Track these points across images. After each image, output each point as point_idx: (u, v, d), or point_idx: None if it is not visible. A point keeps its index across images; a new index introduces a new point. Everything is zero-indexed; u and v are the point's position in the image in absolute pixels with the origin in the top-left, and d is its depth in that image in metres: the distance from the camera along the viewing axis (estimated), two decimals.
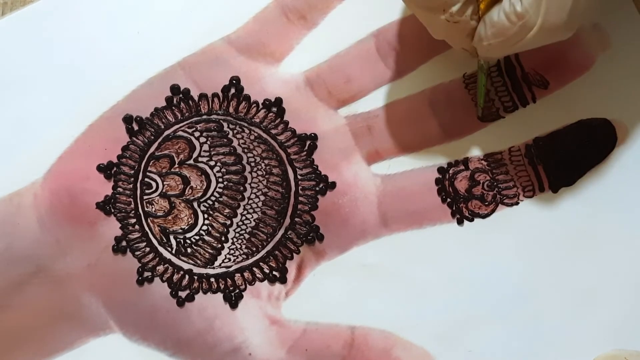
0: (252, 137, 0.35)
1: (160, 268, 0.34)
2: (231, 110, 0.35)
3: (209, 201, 0.35)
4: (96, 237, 0.34)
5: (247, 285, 0.34)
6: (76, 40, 0.35)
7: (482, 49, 0.30)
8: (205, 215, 0.35)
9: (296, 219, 0.35)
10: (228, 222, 0.35)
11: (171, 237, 0.34)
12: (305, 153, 0.35)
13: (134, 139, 0.35)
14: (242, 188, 0.35)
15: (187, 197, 0.35)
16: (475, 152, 0.35)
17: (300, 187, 0.35)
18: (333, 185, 0.35)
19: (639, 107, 0.35)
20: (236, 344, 0.34)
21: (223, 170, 0.35)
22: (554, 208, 0.35)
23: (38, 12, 0.35)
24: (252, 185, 0.35)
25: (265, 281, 0.34)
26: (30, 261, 0.34)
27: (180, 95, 0.35)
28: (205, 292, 0.34)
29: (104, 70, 0.35)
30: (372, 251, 0.34)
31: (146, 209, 0.35)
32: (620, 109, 0.35)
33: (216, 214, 0.35)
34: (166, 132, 0.35)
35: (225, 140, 0.35)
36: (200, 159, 0.35)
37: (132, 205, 0.35)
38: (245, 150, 0.35)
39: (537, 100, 0.35)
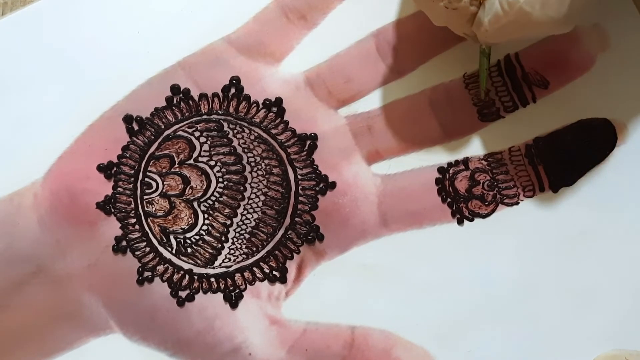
0: (252, 137, 0.35)
1: (161, 268, 0.34)
2: (231, 110, 0.35)
3: (209, 201, 0.35)
4: (96, 237, 0.34)
5: (247, 285, 0.34)
6: (76, 40, 0.35)
7: (481, 34, 0.31)
8: (206, 215, 0.35)
9: (296, 219, 0.35)
10: (228, 222, 0.35)
11: (171, 237, 0.34)
12: (305, 153, 0.35)
13: (134, 138, 0.35)
14: (242, 188, 0.35)
15: (187, 197, 0.35)
16: (476, 152, 0.35)
17: (300, 187, 0.35)
18: (333, 185, 0.35)
19: (639, 107, 0.35)
20: (236, 343, 0.34)
21: (223, 170, 0.35)
22: (554, 208, 0.35)
23: (38, 12, 0.35)
24: (252, 185, 0.35)
25: (266, 281, 0.34)
26: (31, 261, 0.34)
27: (181, 95, 0.35)
28: (205, 292, 0.34)
29: (104, 70, 0.35)
30: (372, 251, 0.34)
31: (146, 208, 0.35)
32: (620, 109, 0.35)
33: (216, 213, 0.35)
34: (166, 132, 0.35)
35: (225, 140, 0.35)
36: (200, 158, 0.35)
37: (132, 205, 0.35)
38: (246, 150, 0.35)
39: (537, 100, 0.35)
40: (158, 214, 0.35)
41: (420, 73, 0.35)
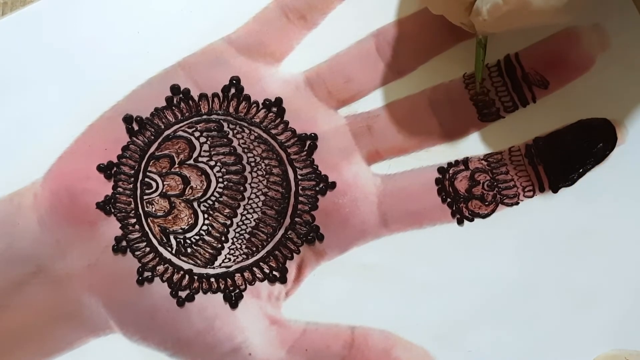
0: (252, 137, 0.35)
1: (161, 268, 0.34)
2: (231, 110, 0.35)
3: (209, 201, 0.35)
4: (96, 237, 0.34)
5: (247, 285, 0.34)
6: (76, 40, 0.35)
7: (479, 24, 0.30)
8: (205, 215, 0.35)
9: (296, 219, 0.35)
10: (228, 222, 0.35)
11: (171, 237, 0.34)
12: (305, 153, 0.35)
13: (134, 139, 0.35)
14: (242, 188, 0.35)
15: (187, 197, 0.35)
16: (476, 152, 0.35)
17: (300, 187, 0.35)
18: (333, 185, 0.35)
19: (638, 107, 0.35)
20: (236, 344, 0.34)
21: (223, 170, 0.35)
22: (554, 208, 0.35)
23: (38, 12, 0.35)
24: (252, 185, 0.35)
25: (266, 281, 0.34)
26: (31, 261, 0.34)
27: (181, 95, 0.35)
28: (205, 292, 0.34)
29: (104, 70, 0.35)
30: (372, 251, 0.34)
31: (146, 209, 0.35)
32: (620, 109, 0.35)
33: (216, 214, 0.35)
34: (166, 132, 0.35)
35: (225, 140, 0.35)
36: (200, 159, 0.35)
37: (132, 205, 0.35)
38: (246, 150, 0.35)
39: (537, 100, 0.35)
40: (158, 214, 0.35)
41: (420, 73, 0.35)
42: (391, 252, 0.34)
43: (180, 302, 0.34)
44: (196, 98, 0.35)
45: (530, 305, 0.34)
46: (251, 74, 0.35)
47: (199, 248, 0.34)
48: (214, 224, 0.35)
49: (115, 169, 0.35)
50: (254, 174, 0.35)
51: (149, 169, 0.35)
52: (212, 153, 0.35)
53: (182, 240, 0.34)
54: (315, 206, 0.35)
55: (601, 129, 0.35)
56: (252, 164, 0.35)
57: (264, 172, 0.35)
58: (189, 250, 0.34)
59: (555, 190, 0.35)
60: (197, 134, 0.35)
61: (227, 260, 0.34)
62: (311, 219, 0.35)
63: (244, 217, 0.35)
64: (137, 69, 0.35)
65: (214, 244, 0.35)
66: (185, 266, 0.34)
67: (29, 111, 0.35)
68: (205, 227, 0.35)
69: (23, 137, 0.35)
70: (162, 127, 0.35)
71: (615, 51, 0.35)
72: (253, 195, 0.35)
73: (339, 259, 0.35)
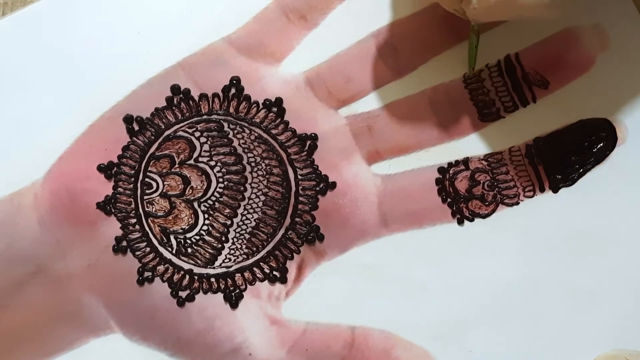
0: (252, 137, 0.35)
1: (161, 268, 0.34)
2: (231, 110, 0.35)
3: (210, 201, 0.35)
4: (96, 237, 0.34)
5: (248, 285, 0.34)
6: (76, 40, 0.35)
7: (470, 12, 0.31)
8: (206, 215, 0.35)
9: (296, 219, 0.35)
10: (228, 222, 0.35)
11: (171, 237, 0.34)
12: (305, 153, 0.35)
13: (135, 139, 0.35)
14: (242, 188, 0.35)
15: (188, 197, 0.35)
16: (476, 152, 0.35)
17: (300, 187, 0.35)
18: (333, 185, 0.35)
19: (639, 107, 0.35)
20: (236, 344, 0.34)
21: (223, 170, 0.35)
22: (554, 208, 0.35)
23: (38, 13, 0.35)
24: (253, 185, 0.35)
25: (266, 281, 0.34)
26: (31, 261, 0.34)
27: (181, 96, 0.35)
28: (205, 292, 0.34)
29: (104, 70, 0.35)
30: (372, 251, 0.34)
31: (146, 209, 0.35)
32: (620, 109, 0.35)
33: (216, 214, 0.35)
34: (166, 132, 0.35)
35: (225, 140, 0.35)
36: (200, 159, 0.35)
37: (133, 205, 0.35)
38: (246, 150, 0.35)
39: (537, 100, 0.35)
40: (158, 214, 0.35)
41: (420, 73, 0.35)
42: (391, 252, 0.34)
43: (181, 302, 0.34)
44: (196, 98, 0.35)
45: (531, 305, 0.34)
46: (251, 74, 0.35)
47: (199, 248, 0.34)
48: (214, 224, 0.35)
49: (115, 169, 0.35)
50: (254, 174, 0.35)
51: (150, 169, 0.35)
52: (213, 153, 0.35)
53: (182, 240, 0.34)
54: (315, 206, 0.35)
55: (601, 128, 0.35)
56: (253, 164, 0.35)
57: (264, 172, 0.35)
58: (189, 250, 0.34)
59: (555, 190, 0.35)
60: (197, 134, 0.35)
61: (227, 260, 0.34)
62: (311, 219, 0.35)
63: (244, 217, 0.35)
64: (138, 69, 0.35)
65: (214, 244, 0.35)
66: (186, 266, 0.34)
67: (29, 111, 0.35)
68: (205, 227, 0.35)
69: (23, 137, 0.35)
70: (163, 127, 0.35)
71: (615, 51, 0.35)
72: (253, 195, 0.35)
73: (339, 259, 0.35)
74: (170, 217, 0.35)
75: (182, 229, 0.35)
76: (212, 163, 0.35)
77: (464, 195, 0.35)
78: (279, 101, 0.35)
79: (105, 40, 0.35)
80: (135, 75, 0.35)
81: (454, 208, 0.35)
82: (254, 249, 0.35)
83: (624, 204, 0.35)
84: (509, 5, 0.29)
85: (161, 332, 0.34)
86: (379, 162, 0.35)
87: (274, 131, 0.35)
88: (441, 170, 0.35)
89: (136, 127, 0.35)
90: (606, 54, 0.35)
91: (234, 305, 0.34)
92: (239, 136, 0.35)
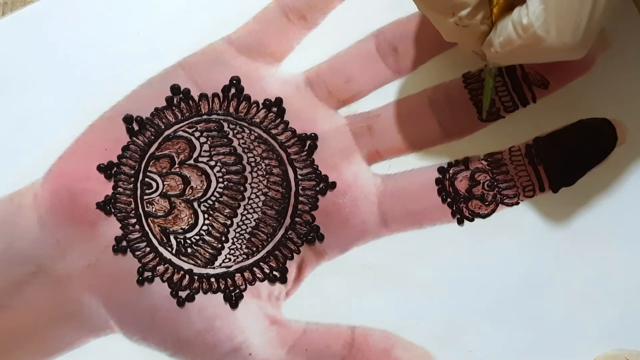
0: (252, 137, 0.35)
1: (161, 268, 0.34)
2: (231, 110, 0.35)
3: (209, 201, 0.35)
4: (96, 237, 0.34)
5: (248, 285, 0.34)
6: (76, 40, 0.35)
7: (490, 54, 0.30)
8: (206, 215, 0.35)
9: (296, 219, 0.35)
10: (228, 222, 0.35)
11: (171, 237, 0.34)
12: (305, 153, 0.35)
13: (134, 139, 0.35)
14: (242, 188, 0.35)
15: (188, 197, 0.35)
16: (476, 152, 0.35)
17: (300, 187, 0.35)
18: (333, 185, 0.35)
19: (639, 107, 0.35)
20: (236, 344, 0.34)
21: (223, 170, 0.35)
22: (554, 208, 0.35)
23: (38, 12, 0.35)
24: (253, 185, 0.35)
25: (266, 281, 0.34)
26: (31, 261, 0.34)
27: (181, 95, 0.35)
28: (205, 292, 0.34)
29: (104, 70, 0.35)
30: (372, 251, 0.34)
31: (146, 209, 0.35)
32: (620, 109, 0.35)
33: (216, 214, 0.35)
34: (166, 132, 0.35)
35: (225, 140, 0.35)
36: (200, 159, 0.35)
37: (133, 205, 0.35)
38: (246, 150, 0.35)
39: (537, 100, 0.35)
40: (158, 214, 0.35)
41: (420, 73, 0.35)
42: (391, 252, 0.34)
43: (181, 302, 0.34)
44: (196, 98, 0.35)
45: (531, 305, 0.34)
46: (251, 74, 0.35)
47: (199, 248, 0.34)
48: (214, 224, 0.35)
49: (115, 169, 0.35)
50: (254, 174, 0.35)
51: (149, 169, 0.35)
52: (212, 153, 0.35)
53: (182, 240, 0.34)
54: (315, 206, 0.35)
55: (601, 128, 0.35)
56: (252, 164, 0.35)
57: (264, 172, 0.35)
58: (189, 250, 0.34)
59: (555, 190, 0.35)
60: (197, 134, 0.35)
61: (227, 260, 0.34)
62: (311, 219, 0.35)
63: (244, 217, 0.35)
64: (137, 69, 0.35)
65: (214, 244, 0.35)
66: (186, 266, 0.34)
67: (29, 111, 0.35)
68: (205, 227, 0.35)
69: (23, 137, 0.35)
70: (162, 127, 0.35)
71: (615, 51, 0.35)
72: (253, 195, 0.35)
73: (339, 258, 0.35)
74: (170, 217, 0.35)
75: (182, 229, 0.35)
76: (212, 163, 0.35)
77: (464, 195, 0.35)
78: (278, 101, 0.35)
79: (105, 40, 0.35)
80: (135, 75, 0.35)
81: (454, 208, 0.35)
82: (254, 249, 0.35)
83: (624, 204, 0.35)
84: (533, 50, 0.28)
85: (161, 332, 0.34)
86: (379, 162, 0.35)
87: (273, 131, 0.35)
88: (441, 170, 0.35)
89: (136, 127, 0.35)
90: (606, 54, 0.35)
91: (234, 305, 0.34)
92: (239, 136, 0.35)
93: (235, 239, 0.35)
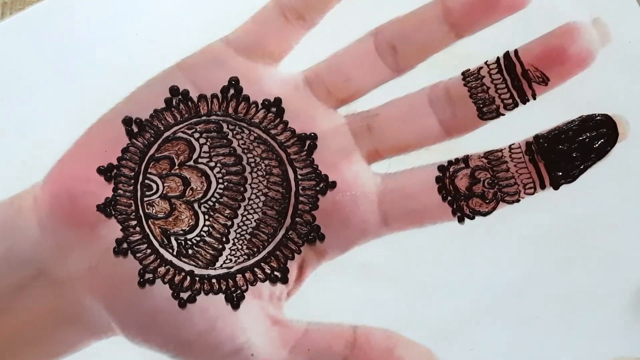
0: (251, 138, 0.35)
1: (162, 270, 0.34)
2: (230, 110, 0.35)
3: (210, 202, 0.35)
4: (97, 239, 0.34)
5: (249, 285, 0.34)
6: (75, 42, 0.35)
7: None
8: (206, 217, 0.35)
9: (297, 219, 0.35)
10: (229, 223, 0.35)
11: (172, 238, 0.34)
12: (305, 153, 0.35)
13: (134, 140, 0.35)
14: (242, 189, 0.35)
15: (188, 198, 0.35)
16: (476, 150, 0.35)
17: (300, 187, 0.35)
18: (333, 184, 0.35)
19: None
20: (238, 344, 0.34)
21: (223, 171, 0.35)
22: (555, 205, 0.35)
23: (37, 14, 0.35)
24: (253, 185, 0.35)
25: (267, 281, 0.34)
26: (31, 264, 0.34)
27: (180, 97, 0.35)
28: (206, 293, 0.34)
29: (102, 72, 0.35)
30: (373, 250, 0.34)
31: (147, 210, 0.35)
32: (622, 105, 0.35)
33: (217, 215, 0.35)
34: (166, 134, 0.35)
35: (225, 141, 0.35)
36: (200, 160, 0.35)
37: (133, 207, 0.35)
38: (245, 151, 0.35)
39: (537, 97, 0.35)
40: (159, 215, 0.35)
41: (419, 71, 0.35)
42: (392, 251, 0.34)
43: (182, 304, 0.34)
44: (195, 99, 0.35)
45: (532, 302, 0.34)
46: (250, 75, 0.35)
47: (200, 249, 0.34)
48: (215, 225, 0.35)
49: (115, 171, 0.35)
50: (254, 175, 0.35)
51: (149, 170, 0.35)
52: (212, 154, 0.35)
53: (183, 242, 0.34)
54: (315, 206, 0.35)
55: (602, 124, 0.35)
56: (252, 165, 0.35)
57: (264, 173, 0.35)
58: (190, 251, 0.34)
59: (556, 187, 0.35)
60: (196, 135, 0.35)
61: (228, 261, 0.34)
62: (312, 219, 0.35)
63: (244, 218, 0.35)
64: (136, 70, 0.35)
65: (215, 245, 0.35)
66: (187, 267, 0.34)
67: (29, 114, 0.35)
68: (206, 228, 0.35)
69: (23, 139, 0.35)
70: (162, 128, 0.35)
71: (616, 46, 0.35)
72: (253, 196, 0.35)
73: (340, 258, 0.35)
74: (170, 219, 0.35)
75: (182, 230, 0.35)
76: (212, 164, 0.35)
77: (465, 193, 0.35)
78: (277, 101, 0.35)
79: (103, 42, 0.35)
80: (133, 77, 0.35)
81: (455, 206, 0.35)
82: (255, 249, 0.35)
83: (625, 201, 0.34)
84: None
85: (163, 334, 0.34)
86: (378, 161, 0.35)
87: (273, 131, 0.35)
88: (441, 168, 0.35)
89: (135, 129, 0.35)
90: (607, 49, 0.35)
91: (235, 306, 0.34)
92: (239, 137, 0.35)
93: (236, 240, 0.35)
